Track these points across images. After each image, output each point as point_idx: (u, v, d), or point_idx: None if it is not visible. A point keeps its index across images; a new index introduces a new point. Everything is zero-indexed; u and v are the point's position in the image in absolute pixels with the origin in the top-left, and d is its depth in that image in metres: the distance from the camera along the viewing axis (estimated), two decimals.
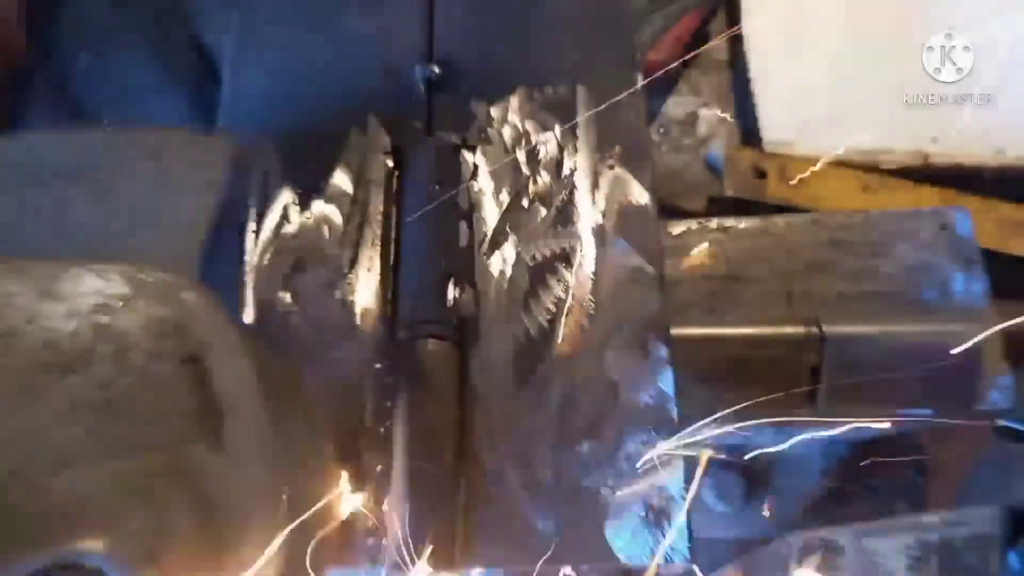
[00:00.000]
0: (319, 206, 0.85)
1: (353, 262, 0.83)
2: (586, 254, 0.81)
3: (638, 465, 0.72)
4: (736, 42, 1.69)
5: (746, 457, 1.24)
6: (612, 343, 0.77)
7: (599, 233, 0.82)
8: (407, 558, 0.68)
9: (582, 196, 0.85)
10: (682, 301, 1.09)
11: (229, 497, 0.48)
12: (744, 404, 1.05)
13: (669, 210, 1.52)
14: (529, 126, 0.89)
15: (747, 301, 1.09)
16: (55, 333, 0.46)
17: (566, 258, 0.82)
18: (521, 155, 0.88)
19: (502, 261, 0.82)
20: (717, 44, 1.76)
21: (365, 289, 0.81)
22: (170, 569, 0.44)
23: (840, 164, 1.50)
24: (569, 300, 0.80)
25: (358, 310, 0.80)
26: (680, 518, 0.69)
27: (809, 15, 1.66)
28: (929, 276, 1.07)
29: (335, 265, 0.83)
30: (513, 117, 0.90)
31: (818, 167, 1.27)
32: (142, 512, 0.44)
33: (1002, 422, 1.18)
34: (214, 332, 0.51)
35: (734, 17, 1.71)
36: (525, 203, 0.85)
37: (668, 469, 0.71)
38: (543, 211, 0.84)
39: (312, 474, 0.66)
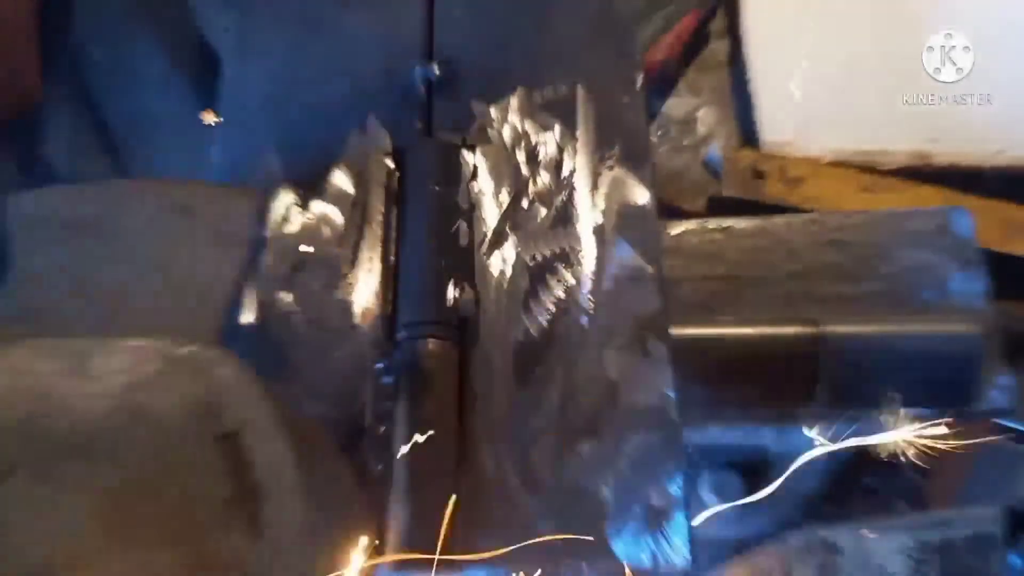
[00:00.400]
0: (319, 206, 0.85)
1: (353, 262, 0.83)
2: (586, 254, 0.81)
3: (638, 465, 0.72)
4: (736, 42, 1.69)
5: (746, 457, 1.24)
6: (612, 343, 0.77)
7: (599, 233, 0.82)
8: (407, 558, 0.68)
9: (582, 196, 0.85)
10: (682, 301, 1.08)
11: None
12: (744, 404, 1.05)
13: (669, 210, 1.52)
14: (529, 126, 0.89)
15: (747, 301, 1.09)
16: (86, 415, 0.44)
17: (566, 258, 0.82)
18: (521, 155, 0.88)
19: (502, 261, 0.82)
20: (717, 44, 1.76)
21: (365, 289, 0.81)
22: None
23: (840, 164, 1.50)
24: (569, 300, 0.80)
25: (358, 310, 0.80)
26: (680, 518, 0.69)
27: (809, 15, 1.66)
28: (929, 276, 1.07)
29: (335, 265, 0.83)
30: (513, 117, 0.90)
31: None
32: None
33: (1002, 422, 1.18)
34: (250, 409, 0.49)
35: (734, 17, 1.71)
36: (525, 203, 0.85)
37: (668, 468, 0.71)
38: (543, 211, 0.84)
39: (345, 532, 0.65)
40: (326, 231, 0.84)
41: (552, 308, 0.79)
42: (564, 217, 0.84)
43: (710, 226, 1.16)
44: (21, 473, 0.41)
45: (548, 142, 0.88)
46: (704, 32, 1.77)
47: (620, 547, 0.69)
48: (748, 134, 1.61)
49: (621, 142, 0.87)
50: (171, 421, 0.46)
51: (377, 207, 0.85)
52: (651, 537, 0.69)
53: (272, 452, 0.49)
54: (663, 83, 1.74)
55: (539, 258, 0.82)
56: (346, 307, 0.81)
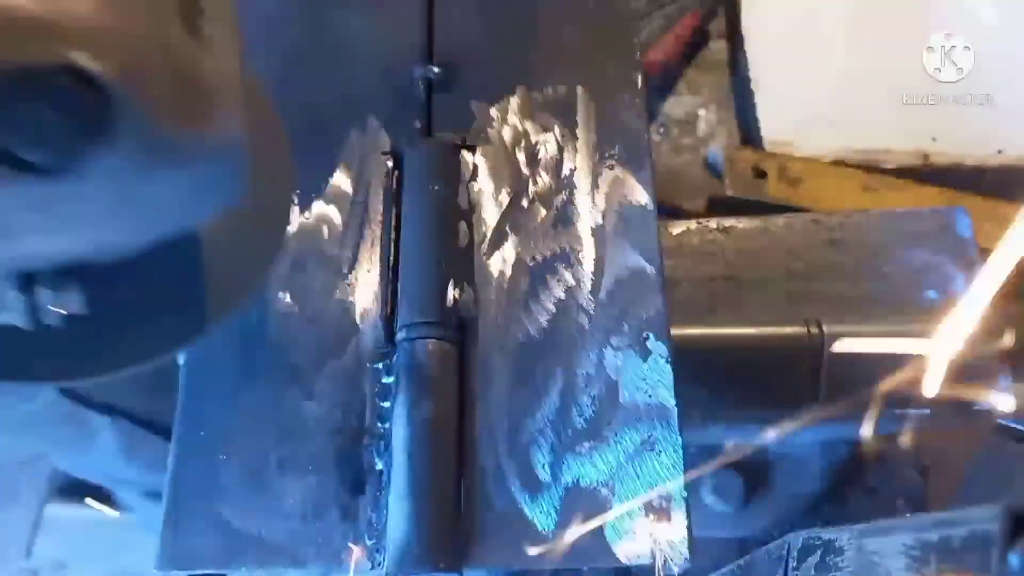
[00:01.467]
0: (319, 206, 0.85)
1: (353, 262, 0.83)
2: (586, 254, 0.81)
3: (638, 465, 0.72)
4: (736, 42, 1.69)
5: (746, 457, 1.24)
6: (612, 343, 0.77)
7: (599, 233, 0.82)
8: (410, 561, 0.68)
9: (582, 196, 0.85)
10: (682, 301, 1.09)
11: (203, 73, 0.47)
12: (744, 404, 1.05)
13: (669, 210, 1.52)
14: (529, 126, 0.89)
15: (747, 301, 1.10)
16: None
17: (566, 258, 0.82)
18: (521, 155, 0.88)
19: (502, 261, 0.82)
20: (717, 44, 1.76)
21: (365, 289, 0.81)
22: (155, 98, 0.44)
23: (840, 164, 1.51)
24: (569, 300, 0.80)
25: (358, 310, 0.81)
26: (680, 518, 0.69)
27: (809, 15, 1.66)
28: (929, 276, 1.07)
29: (335, 265, 0.83)
30: (513, 117, 0.90)
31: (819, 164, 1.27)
32: (135, 35, 0.44)
33: (1002, 422, 1.18)
34: None
35: (734, 17, 1.71)
36: (525, 203, 0.85)
37: (667, 468, 0.71)
38: (543, 211, 0.84)
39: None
40: (326, 231, 0.84)
41: (552, 308, 0.79)
42: (564, 217, 0.84)
43: (710, 226, 1.16)
44: None
45: (548, 142, 0.88)
46: (704, 32, 1.77)
47: (620, 547, 0.69)
48: (748, 134, 1.61)
49: (621, 142, 0.87)
50: None
51: (377, 207, 0.85)
52: (651, 537, 0.69)
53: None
54: (663, 83, 1.74)
55: (539, 258, 0.82)
56: (346, 307, 0.81)
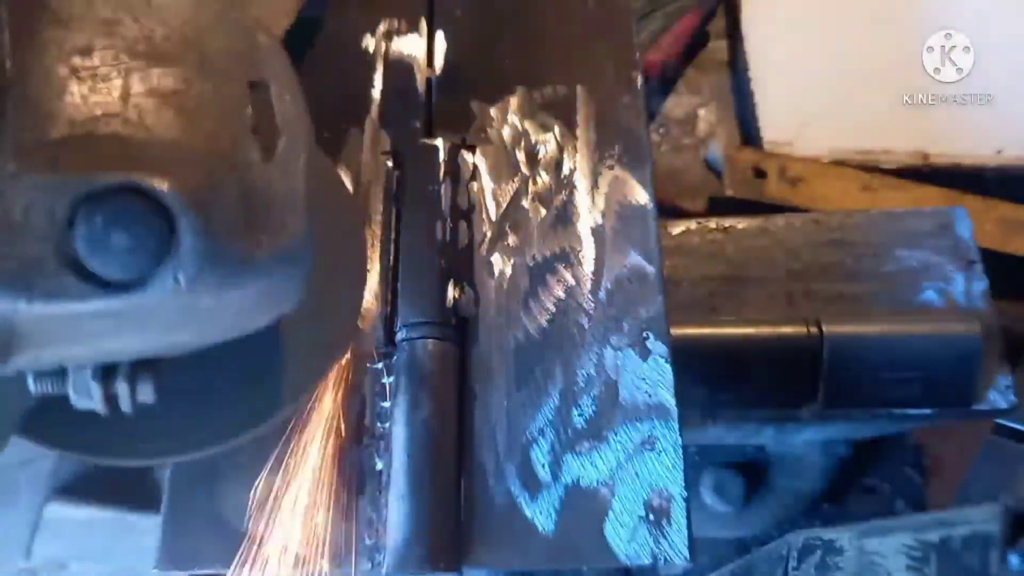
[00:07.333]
0: None
1: None
2: (586, 254, 0.81)
3: (637, 465, 0.72)
4: (736, 42, 1.69)
5: (746, 457, 1.25)
6: (612, 342, 0.77)
7: (599, 233, 0.82)
8: (409, 562, 0.68)
9: (582, 196, 0.85)
10: (682, 301, 1.09)
11: (272, 193, 0.50)
12: (744, 404, 1.05)
13: (669, 210, 1.52)
14: (529, 126, 0.89)
15: (747, 301, 1.10)
16: (154, 29, 0.50)
17: (566, 258, 0.82)
18: (521, 155, 0.88)
19: (502, 261, 0.83)
20: (717, 44, 1.76)
21: (365, 289, 0.81)
22: (222, 219, 0.47)
23: (840, 164, 1.51)
24: (569, 300, 0.80)
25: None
26: (679, 517, 0.69)
27: (809, 15, 1.66)
28: (929, 276, 1.07)
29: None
30: (513, 117, 0.90)
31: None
32: (210, 157, 0.48)
33: (1002, 422, 1.18)
34: (279, 73, 0.55)
35: (734, 17, 1.71)
36: (525, 203, 0.85)
37: (667, 468, 0.71)
38: (543, 211, 0.84)
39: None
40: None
41: (552, 308, 0.79)
42: (564, 217, 0.84)
43: (710, 226, 1.16)
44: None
45: (548, 142, 0.88)
46: (704, 32, 1.77)
47: (620, 546, 0.69)
48: (748, 134, 1.61)
49: (621, 142, 0.87)
50: (218, 59, 0.51)
51: (376, 208, 0.85)
52: (651, 536, 0.69)
53: (291, 108, 0.54)
54: (663, 83, 1.74)
55: (539, 258, 0.82)
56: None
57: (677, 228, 1.16)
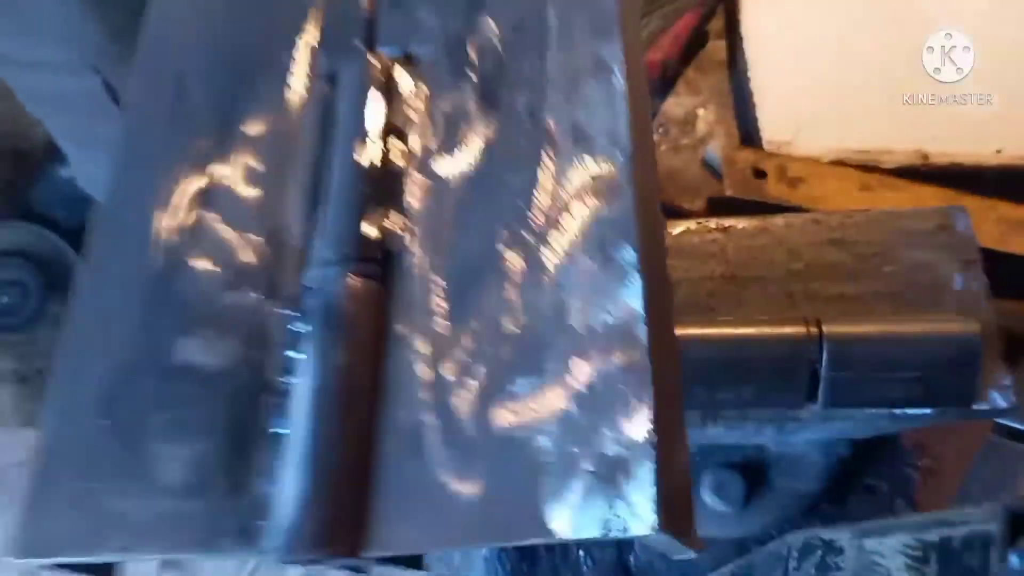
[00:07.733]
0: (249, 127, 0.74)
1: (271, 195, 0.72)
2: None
3: (589, 405, 0.56)
4: (735, 42, 1.69)
5: (746, 457, 1.24)
6: (563, 256, 0.62)
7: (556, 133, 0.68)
8: (300, 543, 0.57)
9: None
10: (682, 301, 1.09)
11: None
12: (744, 404, 1.05)
13: (668, 210, 1.52)
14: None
15: (747, 301, 1.09)
16: None
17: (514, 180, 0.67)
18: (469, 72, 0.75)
19: (439, 179, 0.70)
20: (716, 44, 1.75)
21: (279, 220, 0.70)
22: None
23: (840, 163, 1.50)
24: (512, 225, 0.66)
25: (268, 247, 0.69)
26: (644, 471, 0.51)
27: (809, 15, 1.66)
28: (929, 276, 1.07)
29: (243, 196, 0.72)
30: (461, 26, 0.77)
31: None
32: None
33: (1002, 422, 1.18)
34: None
35: (733, 17, 1.71)
36: (471, 116, 0.72)
37: (630, 407, 0.55)
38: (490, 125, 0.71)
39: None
40: (247, 163, 0.73)
41: (493, 237, 0.65)
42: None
43: (710, 226, 1.16)
44: None
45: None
46: (703, 32, 1.77)
47: (559, 513, 0.52)
48: (748, 134, 1.61)
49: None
50: None
51: (307, 134, 0.75)
52: (603, 497, 0.52)
53: None
54: (662, 83, 1.74)
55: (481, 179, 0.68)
56: (253, 243, 0.69)
57: (677, 228, 1.16)
